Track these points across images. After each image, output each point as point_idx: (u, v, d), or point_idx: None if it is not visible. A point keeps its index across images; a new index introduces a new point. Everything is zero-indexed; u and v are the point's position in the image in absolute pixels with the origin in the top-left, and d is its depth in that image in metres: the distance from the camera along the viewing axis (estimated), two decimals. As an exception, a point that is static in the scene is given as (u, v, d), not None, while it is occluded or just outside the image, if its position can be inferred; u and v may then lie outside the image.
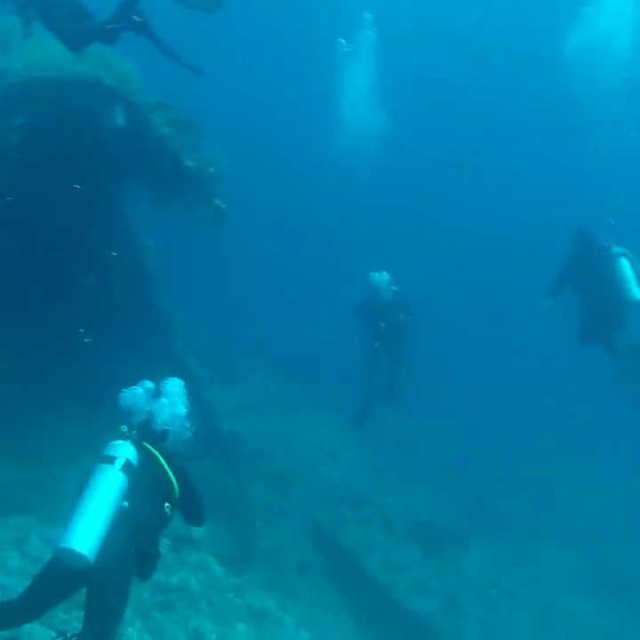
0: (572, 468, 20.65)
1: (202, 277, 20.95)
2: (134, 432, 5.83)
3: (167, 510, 5.63)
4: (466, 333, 25.69)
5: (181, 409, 6.09)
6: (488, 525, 16.53)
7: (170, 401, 6.07)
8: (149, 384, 6.14)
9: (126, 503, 5.32)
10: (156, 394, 6.12)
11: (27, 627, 5.57)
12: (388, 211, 29.12)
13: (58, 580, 5.31)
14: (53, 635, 5.62)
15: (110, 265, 12.97)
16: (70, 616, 8.22)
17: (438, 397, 20.74)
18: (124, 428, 5.83)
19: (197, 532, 10.67)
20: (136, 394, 6.06)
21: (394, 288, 14.12)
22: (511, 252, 29.82)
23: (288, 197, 30.36)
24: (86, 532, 5.07)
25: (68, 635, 5.36)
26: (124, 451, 5.53)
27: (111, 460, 5.42)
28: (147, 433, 5.90)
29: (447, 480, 17.64)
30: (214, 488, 11.86)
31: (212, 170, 12.55)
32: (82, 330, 11.65)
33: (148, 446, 5.76)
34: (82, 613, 7.35)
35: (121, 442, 5.63)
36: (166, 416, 6.03)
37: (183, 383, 6.27)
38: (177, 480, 5.70)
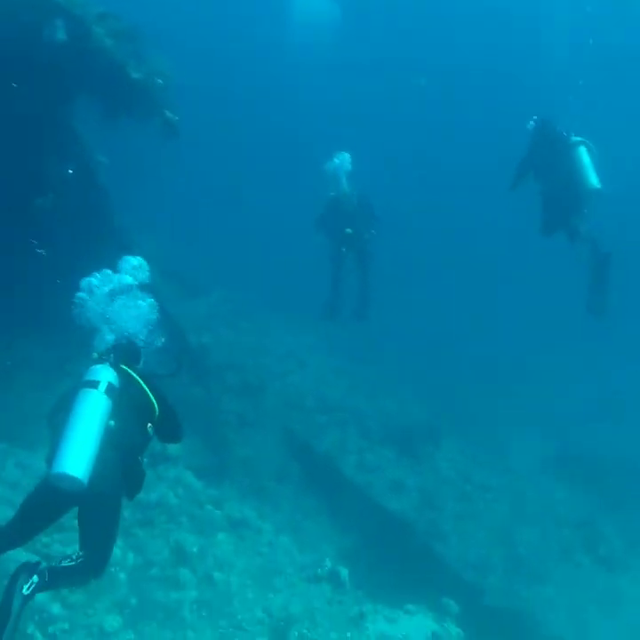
0: (538, 357, 20.97)
1: (161, 193, 20.50)
2: (111, 356, 5.81)
3: (149, 430, 5.70)
4: (431, 239, 25.55)
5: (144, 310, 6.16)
6: (459, 422, 16.73)
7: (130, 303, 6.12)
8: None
9: (112, 423, 5.36)
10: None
11: (11, 553, 5.51)
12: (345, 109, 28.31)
13: (49, 504, 5.36)
14: (37, 559, 5.60)
15: (65, 183, 12.59)
16: (51, 539, 8.24)
17: (404, 302, 20.71)
18: (95, 355, 5.83)
19: (173, 447, 10.65)
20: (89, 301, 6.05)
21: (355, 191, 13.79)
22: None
23: (246, 108, 29.49)
24: (78, 455, 5.10)
25: (74, 556, 5.30)
26: (106, 374, 5.54)
27: (94, 384, 5.43)
28: (122, 355, 5.90)
29: (417, 381, 17.79)
30: (185, 402, 11.84)
31: (160, 81, 12.09)
32: (34, 241, 11.31)
33: (127, 369, 5.79)
34: (62, 535, 7.40)
35: (101, 366, 5.62)
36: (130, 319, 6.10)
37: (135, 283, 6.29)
38: (156, 400, 5.75)
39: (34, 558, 5.66)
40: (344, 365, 17.96)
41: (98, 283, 6.10)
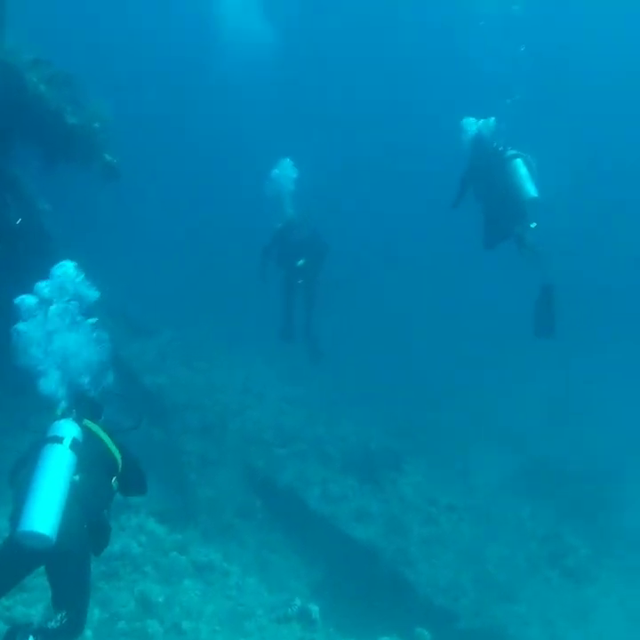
0: (495, 371, 21.11)
1: (105, 234, 20.29)
2: (74, 411, 5.82)
3: (113, 484, 5.72)
4: (383, 254, 25.59)
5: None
6: (420, 443, 16.81)
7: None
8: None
9: (77, 478, 5.34)
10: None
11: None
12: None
13: (15, 564, 5.28)
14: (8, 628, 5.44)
15: (12, 233, 12.47)
16: (14, 600, 8.07)
17: (355, 322, 20.75)
18: (58, 411, 5.81)
19: (134, 495, 10.52)
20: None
21: (308, 219, 13.79)
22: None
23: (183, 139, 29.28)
24: (45, 512, 5.03)
25: (58, 617, 5.26)
26: (70, 430, 5.53)
27: (59, 439, 5.39)
28: (84, 410, 5.91)
29: (374, 404, 17.85)
30: (145, 445, 11.75)
31: (97, 125, 12.09)
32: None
33: (90, 423, 5.79)
34: (25, 596, 7.24)
35: (64, 421, 5.62)
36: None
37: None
38: (119, 454, 5.78)
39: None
40: (301, 394, 17.96)
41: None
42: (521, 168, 11.27)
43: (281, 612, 8.67)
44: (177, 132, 28.94)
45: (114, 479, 5.73)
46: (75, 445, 5.42)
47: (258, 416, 16.78)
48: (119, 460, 5.77)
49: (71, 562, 5.28)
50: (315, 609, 8.76)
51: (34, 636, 5.03)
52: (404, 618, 11.78)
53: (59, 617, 5.23)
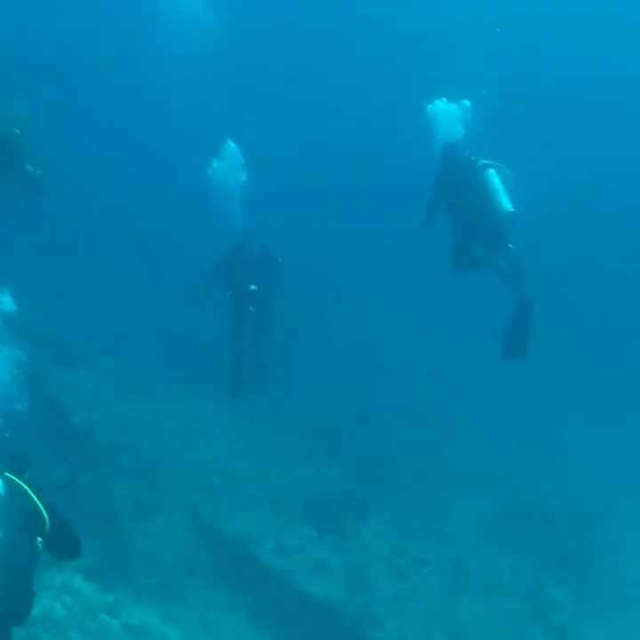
0: (463, 408, 19.81)
1: (29, 253, 18.52)
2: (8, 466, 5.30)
3: (39, 544, 5.12)
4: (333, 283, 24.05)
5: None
6: (387, 488, 15.39)
7: None
8: None
9: None
10: None
11: None
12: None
13: None
14: None
15: None
16: None
17: (312, 353, 19.22)
18: None
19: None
20: None
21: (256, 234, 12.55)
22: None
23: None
24: None
25: None
26: None
27: None
28: (7, 463, 5.33)
29: (335, 445, 16.41)
30: (72, 491, 10.14)
31: (17, 131, 10.85)
32: None
33: (14, 478, 5.22)
34: None
35: None
36: None
37: None
38: (47, 512, 5.20)
39: None
40: (253, 433, 16.46)
41: None
42: (494, 179, 10.17)
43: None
44: (111, 132, 26.78)
45: (39, 539, 5.12)
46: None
47: (203, 457, 15.22)
48: (47, 519, 5.18)
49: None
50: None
51: None
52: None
53: None
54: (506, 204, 10.00)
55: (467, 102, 10.79)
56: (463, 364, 20.78)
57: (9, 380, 5.98)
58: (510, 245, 10.30)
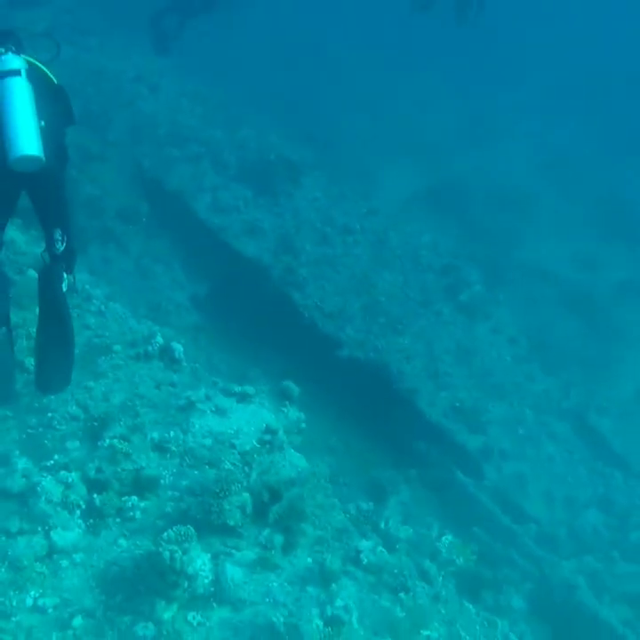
0: (404, 82, 19.57)
1: None
2: (11, 46, 5.80)
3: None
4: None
5: None
6: (323, 156, 15.64)
7: None
8: None
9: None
10: None
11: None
12: None
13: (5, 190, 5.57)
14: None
15: None
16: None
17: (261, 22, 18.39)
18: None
19: None
20: None
21: None
22: None
23: None
24: (29, 138, 5.31)
25: (57, 247, 5.76)
26: (19, 62, 5.56)
27: (16, 72, 5.46)
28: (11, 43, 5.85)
29: (277, 107, 16.36)
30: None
31: None
32: None
33: (27, 57, 5.74)
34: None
35: (9, 56, 5.62)
36: None
37: None
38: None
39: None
40: (200, 90, 16.33)
41: None
42: None
43: (141, 348, 7.86)
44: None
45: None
46: (29, 76, 5.48)
47: (150, 109, 15.25)
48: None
49: (55, 180, 5.69)
50: (179, 348, 7.95)
51: (59, 267, 5.74)
52: (277, 363, 11.35)
53: (57, 236, 5.74)
54: None
55: None
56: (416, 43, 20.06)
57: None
58: None
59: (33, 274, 8.60)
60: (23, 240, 9.60)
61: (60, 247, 5.77)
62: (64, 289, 5.83)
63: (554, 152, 19.74)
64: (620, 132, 21.44)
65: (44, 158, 5.37)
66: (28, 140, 5.30)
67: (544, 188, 18.10)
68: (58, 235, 5.75)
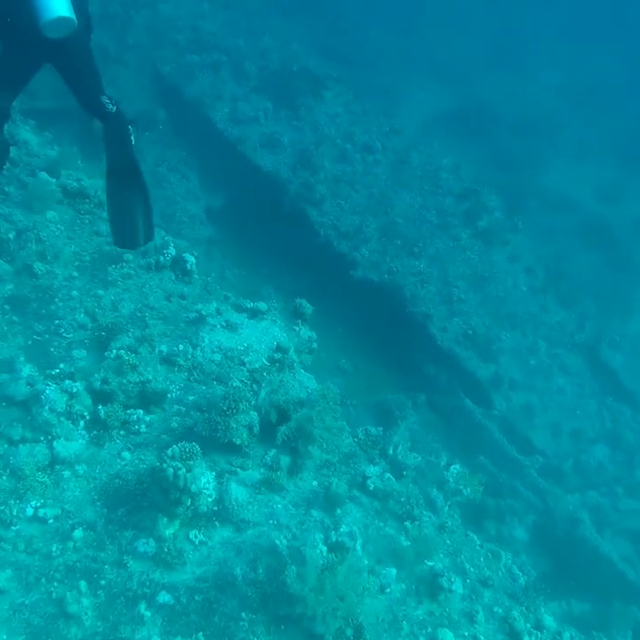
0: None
1: None
2: None
3: None
4: None
5: None
6: (347, 70, 15.12)
7: None
8: None
9: None
10: None
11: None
12: None
13: (32, 55, 5.39)
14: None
15: None
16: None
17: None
18: None
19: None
20: None
21: None
22: None
23: None
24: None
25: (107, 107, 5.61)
26: None
27: None
28: None
29: (302, 18, 15.81)
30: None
31: None
32: None
33: None
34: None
35: None
36: None
37: None
38: None
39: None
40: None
41: None
42: None
43: (152, 258, 7.66)
44: None
45: None
46: None
47: (171, 13, 14.73)
48: None
49: (87, 48, 5.52)
50: (191, 259, 7.74)
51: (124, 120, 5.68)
52: (291, 280, 11.14)
53: (105, 100, 5.60)
54: None
55: None
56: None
57: None
58: None
59: (45, 176, 8.43)
60: (37, 142, 9.33)
61: (113, 108, 5.66)
62: (133, 142, 5.76)
63: (583, 79, 19.13)
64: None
65: (76, 21, 5.13)
66: (59, 2, 5.07)
67: (571, 116, 17.64)
68: (105, 99, 5.63)
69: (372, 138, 13.61)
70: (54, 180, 8.43)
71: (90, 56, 5.63)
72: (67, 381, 5.66)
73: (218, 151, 13.15)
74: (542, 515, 9.77)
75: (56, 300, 6.79)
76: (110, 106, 5.67)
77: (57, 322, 6.47)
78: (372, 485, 5.68)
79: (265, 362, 6.46)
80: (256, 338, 6.78)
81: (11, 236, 7.12)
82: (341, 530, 4.98)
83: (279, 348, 6.66)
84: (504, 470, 10.17)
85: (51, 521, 4.91)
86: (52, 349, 6.25)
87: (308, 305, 7.47)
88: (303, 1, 16.28)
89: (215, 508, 5.08)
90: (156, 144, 13.27)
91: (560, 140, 16.79)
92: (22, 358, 5.90)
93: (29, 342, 6.30)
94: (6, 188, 8.21)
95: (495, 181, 13.94)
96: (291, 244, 11.85)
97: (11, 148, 5.84)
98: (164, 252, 7.75)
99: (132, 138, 5.80)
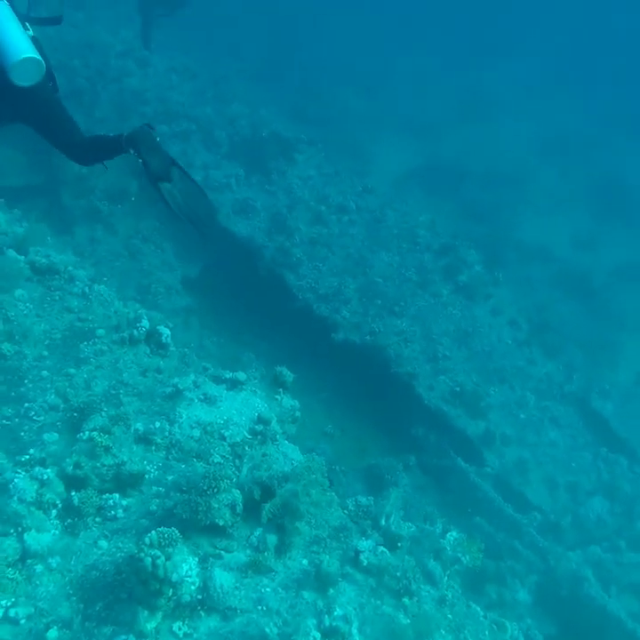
0: (401, 58, 19.07)
1: None
2: None
3: None
4: None
5: None
6: (317, 132, 15.17)
7: None
8: None
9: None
10: None
11: None
12: None
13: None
14: None
15: None
16: None
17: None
18: None
19: None
20: None
21: None
22: None
23: None
24: (23, 42, 4.87)
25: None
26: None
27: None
28: None
29: (269, 83, 15.84)
30: None
31: None
32: None
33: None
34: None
35: None
36: None
37: None
38: None
39: None
40: (190, 65, 15.77)
41: None
42: None
43: (126, 333, 7.40)
44: None
45: None
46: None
47: (139, 86, 14.67)
48: None
49: (56, 99, 5.33)
50: (166, 332, 7.49)
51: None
52: (271, 346, 10.92)
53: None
54: None
55: None
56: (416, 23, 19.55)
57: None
58: None
59: (12, 253, 8.20)
60: (4, 219, 9.13)
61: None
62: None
63: (552, 131, 19.38)
64: (619, 114, 21.12)
65: (43, 62, 4.95)
66: (23, 44, 4.88)
67: (542, 167, 17.84)
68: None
69: (346, 198, 13.51)
70: (23, 258, 8.20)
71: (62, 107, 5.46)
72: (37, 468, 5.34)
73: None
74: (544, 574, 9.43)
75: (25, 381, 6.51)
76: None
77: (27, 405, 6.18)
78: (366, 561, 5.34)
79: (246, 435, 6.17)
80: (236, 410, 6.50)
81: (-22, 315, 6.87)
82: (335, 613, 4.64)
83: (260, 420, 6.38)
84: (501, 530, 9.85)
85: (23, 621, 4.56)
86: (22, 434, 5.94)
87: (289, 372, 7.20)
88: (269, 66, 16.31)
89: (199, 597, 4.73)
90: (129, 216, 13.14)
91: (532, 191, 16.90)
92: (-10, 445, 5.60)
93: (-4, 426, 6.01)
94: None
95: (472, 235, 13.93)
96: (270, 308, 11.64)
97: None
98: (138, 325, 7.49)
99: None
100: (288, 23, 18.22)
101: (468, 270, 12.96)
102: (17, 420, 6.10)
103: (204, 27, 14.10)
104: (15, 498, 5.04)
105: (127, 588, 4.65)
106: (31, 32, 5.19)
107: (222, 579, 4.77)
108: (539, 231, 16.17)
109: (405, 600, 5.16)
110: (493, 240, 14.47)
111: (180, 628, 4.63)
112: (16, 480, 5.16)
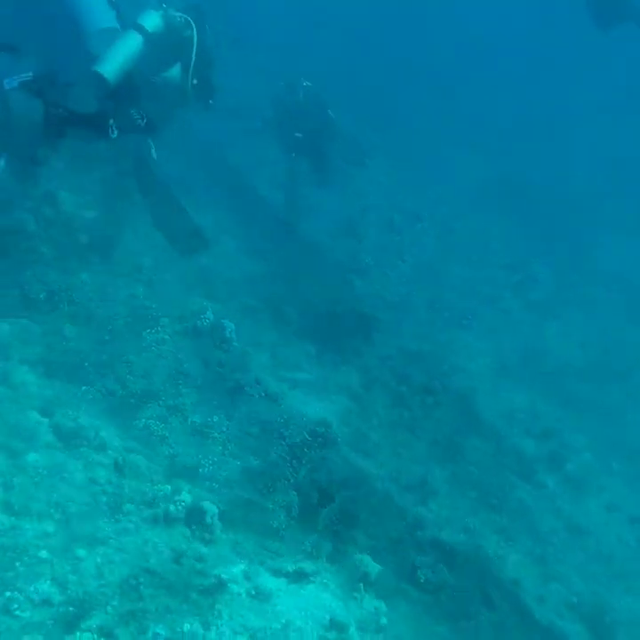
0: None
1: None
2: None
3: None
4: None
5: None
6: (390, 140, 16.02)
7: None
8: None
9: None
10: None
11: None
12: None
13: None
14: None
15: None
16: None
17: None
18: None
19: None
20: None
21: (306, 83, 11.60)
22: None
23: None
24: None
25: None
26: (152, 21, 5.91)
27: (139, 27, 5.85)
28: None
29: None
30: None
31: None
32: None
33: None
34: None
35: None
36: None
37: None
38: None
39: None
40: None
41: None
42: None
43: (160, 507, 5.70)
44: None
45: None
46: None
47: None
48: None
49: None
50: (212, 509, 5.77)
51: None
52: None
53: (135, 114, 5.96)
54: None
55: None
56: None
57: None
58: None
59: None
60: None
61: (142, 122, 5.91)
62: (154, 156, 6.13)
63: (624, 153, 19.26)
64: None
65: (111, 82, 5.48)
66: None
67: (610, 189, 17.62)
68: (135, 114, 5.87)
69: (418, 207, 14.61)
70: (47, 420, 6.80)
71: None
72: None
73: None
74: None
75: (17, 564, 4.82)
76: (140, 122, 5.89)
77: (8, 594, 4.45)
78: None
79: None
80: (299, 610, 4.62)
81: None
82: None
83: (333, 625, 4.48)
84: None
85: None
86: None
87: (373, 562, 5.34)
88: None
89: None
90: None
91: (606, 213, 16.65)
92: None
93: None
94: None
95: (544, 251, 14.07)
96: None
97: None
98: (177, 498, 5.79)
99: (154, 153, 6.16)
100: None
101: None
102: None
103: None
104: None
105: None
106: None
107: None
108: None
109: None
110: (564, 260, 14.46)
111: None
112: None
